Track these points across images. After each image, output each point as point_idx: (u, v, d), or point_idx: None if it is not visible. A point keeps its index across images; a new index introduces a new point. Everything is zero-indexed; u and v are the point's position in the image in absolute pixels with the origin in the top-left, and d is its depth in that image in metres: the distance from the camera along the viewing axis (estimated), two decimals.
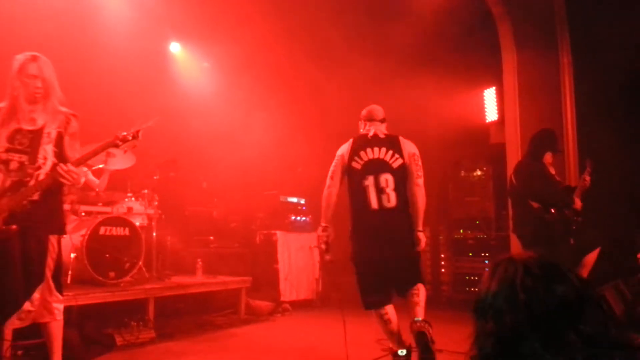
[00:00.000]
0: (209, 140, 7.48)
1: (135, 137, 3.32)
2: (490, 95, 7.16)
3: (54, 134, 3.06)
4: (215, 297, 5.96)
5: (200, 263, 6.10)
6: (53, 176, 2.93)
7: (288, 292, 6.73)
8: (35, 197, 2.92)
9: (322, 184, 7.85)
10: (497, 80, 6.90)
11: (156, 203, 5.81)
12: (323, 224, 3.84)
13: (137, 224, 5.33)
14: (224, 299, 5.99)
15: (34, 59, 3.06)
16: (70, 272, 4.68)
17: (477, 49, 7.16)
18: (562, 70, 6.28)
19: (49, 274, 3.03)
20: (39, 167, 2.96)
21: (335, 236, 3.99)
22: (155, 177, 5.97)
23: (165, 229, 6.18)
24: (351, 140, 3.87)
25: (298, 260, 7.07)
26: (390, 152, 3.74)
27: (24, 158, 2.92)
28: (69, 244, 4.90)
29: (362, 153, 3.72)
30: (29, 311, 3.00)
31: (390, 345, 3.87)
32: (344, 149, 3.83)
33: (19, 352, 3.87)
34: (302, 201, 7.60)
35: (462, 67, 7.13)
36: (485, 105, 7.19)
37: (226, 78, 8.31)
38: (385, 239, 3.62)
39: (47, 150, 3.01)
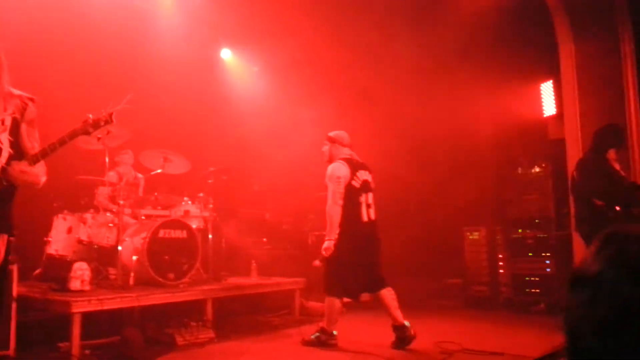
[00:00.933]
0: (260, 143, 7.59)
1: (108, 121, 2.78)
2: (547, 89, 6.90)
3: (8, 121, 2.59)
4: (270, 298, 6.02)
5: (254, 264, 6.19)
6: (6, 177, 2.53)
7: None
8: None
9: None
10: (553, 73, 6.65)
11: (211, 206, 5.94)
12: (333, 239, 4.46)
13: (194, 226, 5.46)
14: (278, 299, 6.04)
15: None
16: (132, 274, 4.84)
17: (530, 41, 6.94)
18: (624, 60, 5.98)
19: None
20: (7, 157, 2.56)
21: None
22: (209, 181, 6.09)
23: (220, 231, 6.31)
24: (346, 163, 4.57)
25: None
26: (370, 175, 4.70)
27: None
28: (131, 247, 5.08)
29: (358, 174, 4.56)
30: None
31: (326, 324, 4.55)
32: (344, 171, 4.51)
33: (87, 352, 4.02)
34: None
35: (516, 60, 6.93)
36: (542, 100, 6.93)
37: (275, 81, 8.42)
38: (371, 245, 4.58)
39: (2, 140, 2.55)
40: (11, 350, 3.66)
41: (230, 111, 7.98)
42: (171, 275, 5.05)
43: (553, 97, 6.79)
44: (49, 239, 5.01)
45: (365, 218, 4.54)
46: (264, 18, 7.35)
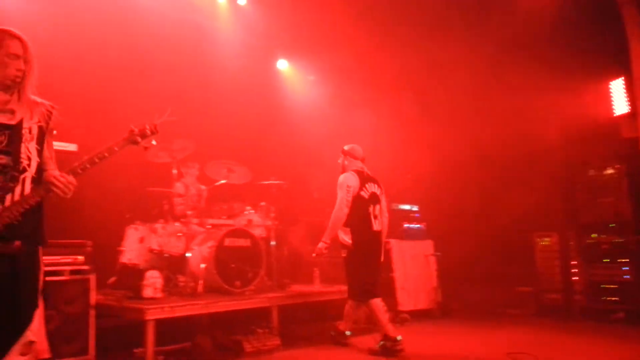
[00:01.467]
0: (319, 151, 7.61)
1: (153, 132, 2.73)
2: (617, 87, 6.56)
3: (35, 130, 2.50)
4: (334, 306, 5.98)
5: (317, 272, 6.19)
6: (46, 184, 2.45)
7: (406, 301, 6.59)
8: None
9: (433, 191, 7.68)
10: (624, 70, 6.31)
11: (273, 214, 6.01)
12: (328, 241, 4.85)
13: (257, 235, 5.54)
14: (342, 307, 5.99)
15: (15, 34, 2.46)
16: (201, 282, 4.96)
17: (598, 38, 6.62)
18: None
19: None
20: (24, 170, 2.45)
21: None
22: (271, 190, 6.17)
23: (282, 239, 6.36)
24: (357, 174, 4.89)
25: (414, 268, 6.91)
26: (379, 188, 5.03)
27: (5, 159, 2.42)
28: (199, 255, 5.21)
29: (367, 186, 4.88)
30: (32, 342, 2.41)
31: (343, 326, 4.90)
32: (354, 182, 4.82)
33: (160, 357, 4.14)
34: (415, 208, 7.45)
35: (583, 58, 6.62)
36: (613, 98, 6.59)
37: (332, 89, 8.47)
38: (378, 252, 4.93)
39: (30, 150, 2.47)
40: (91, 356, 3.82)
41: (289, 120, 8.08)
42: (237, 283, 5.14)
43: (625, 95, 6.45)
44: (122, 248, 5.21)
45: (374, 228, 4.87)
46: (318, 28, 7.42)
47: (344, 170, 5.04)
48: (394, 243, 6.79)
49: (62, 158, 4.20)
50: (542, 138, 7.17)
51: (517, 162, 7.38)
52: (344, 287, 5.43)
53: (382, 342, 4.60)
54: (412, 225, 7.23)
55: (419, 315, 6.54)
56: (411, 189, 7.64)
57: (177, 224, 5.42)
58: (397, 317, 6.26)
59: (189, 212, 5.40)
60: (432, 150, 7.70)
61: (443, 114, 7.82)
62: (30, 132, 2.46)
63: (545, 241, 7.00)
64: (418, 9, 6.94)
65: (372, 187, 4.94)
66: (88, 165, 2.52)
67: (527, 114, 7.11)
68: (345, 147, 5.21)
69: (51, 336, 3.62)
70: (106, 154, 2.55)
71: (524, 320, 6.47)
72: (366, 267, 4.78)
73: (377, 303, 4.72)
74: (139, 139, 2.67)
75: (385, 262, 6.67)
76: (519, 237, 7.23)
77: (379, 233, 4.92)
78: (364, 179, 4.91)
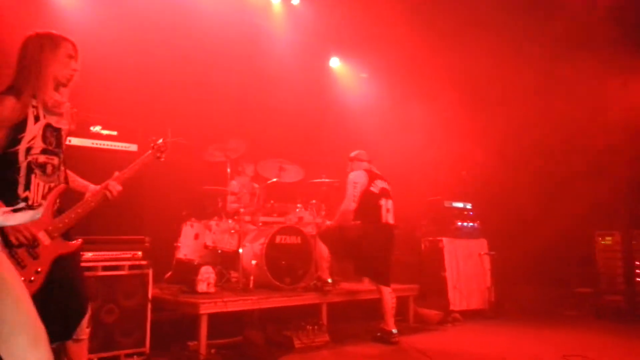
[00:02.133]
0: (369, 148, 7.60)
1: (165, 149, 2.98)
2: None
3: (66, 131, 2.62)
4: (383, 304, 5.98)
5: None
6: (104, 191, 2.67)
7: (458, 301, 6.49)
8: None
9: (488, 188, 7.49)
10: None
11: (323, 212, 6.07)
12: (334, 223, 5.32)
13: (307, 232, 5.62)
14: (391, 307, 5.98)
15: (66, 37, 2.56)
16: (252, 278, 5.11)
17: None
18: None
19: None
20: (65, 172, 2.61)
21: None
22: (322, 188, 6.24)
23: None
24: (365, 172, 5.23)
25: (467, 267, 6.79)
26: (389, 185, 5.34)
27: (56, 160, 2.51)
28: (251, 252, 5.36)
29: (376, 182, 5.20)
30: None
31: (385, 324, 4.97)
32: (362, 178, 5.16)
33: (212, 351, 4.31)
34: (469, 206, 7.30)
35: None
36: None
37: (384, 86, 8.42)
38: (390, 245, 5.22)
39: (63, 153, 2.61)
40: (147, 348, 4.03)
41: (341, 118, 8.12)
42: (287, 280, 5.26)
43: None
44: (178, 244, 5.45)
45: (384, 220, 5.14)
46: (369, 25, 7.40)
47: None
48: (446, 242, 6.70)
49: (125, 157, 4.49)
50: (607, 133, 6.84)
51: (580, 158, 7.08)
52: (394, 286, 5.44)
53: (378, 334, 4.95)
54: (465, 224, 7.10)
55: (471, 315, 6.43)
56: (465, 186, 7.50)
57: (230, 221, 5.60)
58: (449, 316, 6.19)
59: (242, 210, 5.55)
60: (488, 146, 7.52)
61: (500, 109, 7.60)
62: (65, 134, 2.62)
63: (607, 240, 6.68)
64: (471, 4, 6.78)
65: (381, 184, 5.24)
66: (129, 176, 2.81)
67: (591, 108, 6.80)
68: (351, 155, 5.55)
69: (111, 328, 3.90)
70: (141, 168, 2.87)
71: (581, 322, 6.21)
72: (376, 257, 5.06)
73: (387, 291, 5.02)
74: (162, 157, 2.97)
75: (437, 260, 6.64)
76: (580, 236, 6.94)
77: (389, 226, 5.19)
78: (372, 176, 5.24)
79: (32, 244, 2.34)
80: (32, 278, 2.33)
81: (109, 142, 4.45)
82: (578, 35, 6.53)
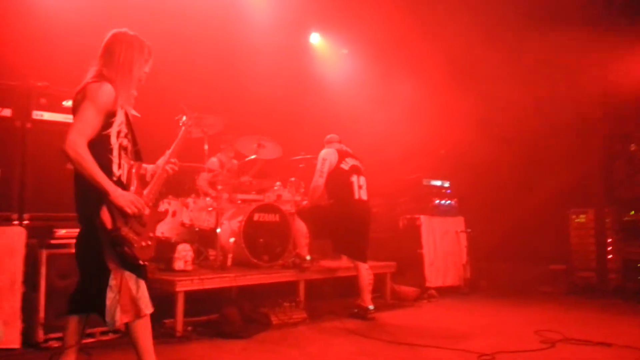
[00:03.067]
0: (350, 126, 7.57)
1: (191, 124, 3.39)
2: None
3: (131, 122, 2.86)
4: (359, 281, 6.03)
5: None
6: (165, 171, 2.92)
7: (434, 277, 6.59)
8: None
9: (466, 166, 7.54)
10: None
11: (302, 190, 6.05)
12: (308, 201, 5.41)
13: (286, 210, 5.60)
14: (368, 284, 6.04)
15: (148, 44, 2.83)
16: (230, 255, 5.09)
17: None
18: None
19: None
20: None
21: None
22: (300, 165, 6.20)
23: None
24: (336, 151, 5.32)
25: (443, 245, 6.88)
26: (360, 163, 5.41)
27: (132, 148, 2.75)
28: (229, 230, 5.33)
29: (346, 159, 5.29)
30: None
31: (362, 301, 5.07)
32: (332, 156, 5.26)
33: (189, 328, 4.30)
34: (447, 184, 7.36)
35: (628, 24, 6.31)
36: None
37: (365, 62, 8.35)
38: (365, 220, 5.29)
39: None
40: (123, 325, 4.01)
41: (320, 94, 8.05)
42: (265, 257, 5.25)
43: None
44: None
45: (357, 196, 5.21)
46: (351, 0, 7.30)
47: None
48: (423, 219, 6.76)
49: None
50: (582, 111, 6.92)
51: (555, 136, 7.16)
52: (372, 264, 5.49)
53: (355, 310, 5.04)
54: (443, 202, 7.16)
55: (447, 292, 6.54)
56: (443, 164, 7.55)
57: (208, 199, 5.55)
58: (425, 293, 6.28)
59: (220, 187, 5.50)
60: (466, 125, 7.54)
61: (478, 87, 7.61)
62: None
63: (581, 218, 6.82)
64: None
65: (352, 161, 5.32)
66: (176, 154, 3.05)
67: (566, 86, 6.85)
68: (325, 139, 5.59)
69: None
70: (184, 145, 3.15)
71: (555, 298, 6.37)
72: (352, 234, 5.15)
73: (364, 268, 5.13)
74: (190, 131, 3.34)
75: (414, 238, 6.70)
76: (554, 213, 7.06)
77: (363, 202, 5.26)
78: (342, 154, 5.32)
79: (141, 214, 2.59)
80: (145, 243, 2.61)
81: None
82: (559, 12, 6.54)
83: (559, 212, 7.01)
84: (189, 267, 4.75)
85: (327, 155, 5.25)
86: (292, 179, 6.12)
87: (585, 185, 6.98)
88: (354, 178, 5.23)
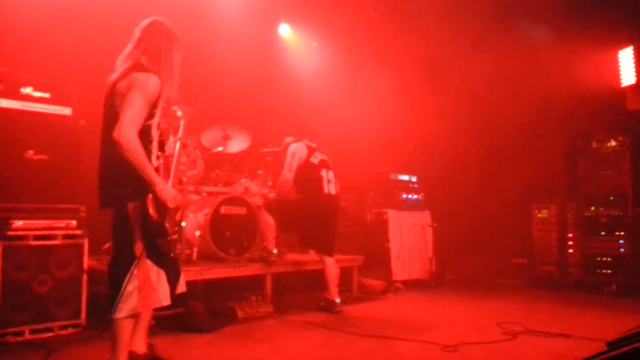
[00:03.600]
0: (319, 119, 7.55)
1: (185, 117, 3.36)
2: (626, 56, 6.42)
3: None
4: (326, 274, 6.03)
5: None
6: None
7: (400, 271, 6.64)
8: None
9: (433, 161, 7.62)
10: (634, 38, 6.16)
11: (270, 183, 6.00)
12: (275, 193, 5.37)
13: (253, 203, 5.54)
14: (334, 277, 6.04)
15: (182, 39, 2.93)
16: (196, 249, 5.00)
17: (608, 5, 6.43)
18: None
19: None
20: None
21: None
22: (268, 158, 6.15)
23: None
24: (304, 145, 5.30)
25: (410, 239, 6.94)
26: (328, 158, 5.41)
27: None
28: (194, 223, 5.23)
29: (315, 154, 5.28)
30: None
31: (329, 294, 5.07)
32: (301, 150, 5.22)
33: (153, 322, 4.19)
34: (414, 179, 7.42)
35: (592, 26, 6.45)
36: (621, 68, 6.46)
37: (335, 56, 8.32)
38: (333, 214, 5.28)
39: None
40: (83, 320, 3.89)
41: (289, 87, 7.99)
42: (232, 251, 5.19)
43: (633, 65, 6.31)
44: None
45: (326, 190, 5.19)
46: None
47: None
48: (391, 213, 6.80)
49: (58, 122, 4.23)
50: (546, 108, 7.08)
51: (520, 133, 7.30)
52: (339, 257, 5.49)
53: (322, 304, 5.04)
54: (410, 196, 7.22)
55: (413, 285, 6.61)
56: (411, 159, 7.60)
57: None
58: (392, 286, 6.33)
59: (185, 179, 5.39)
60: (434, 120, 7.62)
61: (447, 84, 7.70)
62: None
63: (543, 213, 6.98)
64: None
65: (320, 156, 5.33)
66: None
67: (531, 83, 6.98)
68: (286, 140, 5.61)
69: (44, 299, 3.74)
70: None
71: (517, 291, 6.52)
72: (320, 228, 5.14)
73: (330, 262, 5.13)
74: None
75: (381, 232, 6.74)
76: (518, 208, 7.20)
77: (331, 196, 5.24)
78: (311, 149, 5.32)
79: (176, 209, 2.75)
80: (172, 237, 2.76)
81: (41, 105, 4.18)
82: (525, 11, 6.66)
83: (523, 207, 7.16)
84: None
85: (297, 149, 5.22)
86: (260, 171, 6.06)
87: (549, 181, 7.14)
88: (323, 172, 5.23)
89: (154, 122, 2.64)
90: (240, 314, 4.57)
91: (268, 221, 5.24)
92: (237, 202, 5.39)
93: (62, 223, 4.04)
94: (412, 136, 7.77)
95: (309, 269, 5.60)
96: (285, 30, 8.38)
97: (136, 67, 2.64)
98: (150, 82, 2.58)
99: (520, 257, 7.15)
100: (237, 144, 5.98)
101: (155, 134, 2.65)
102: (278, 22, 8.28)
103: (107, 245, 5.15)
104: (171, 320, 4.33)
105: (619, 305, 5.49)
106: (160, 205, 2.54)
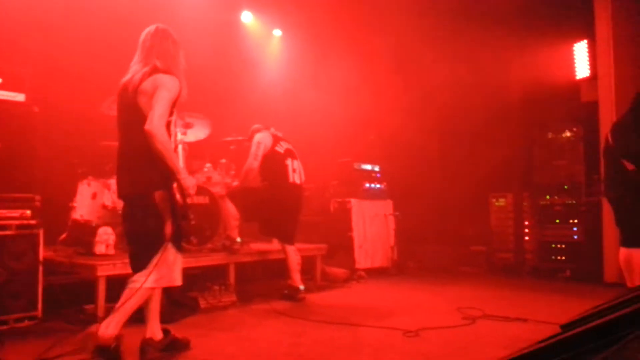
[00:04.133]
0: (281, 108, 7.50)
1: None
2: (581, 49, 6.63)
3: None
4: (288, 263, 6.03)
5: None
6: None
7: (363, 259, 6.71)
8: None
9: (394, 151, 7.70)
10: (588, 32, 6.36)
11: (233, 172, 5.93)
12: (239, 182, 5.33)
13: (216, 192, 5.47)
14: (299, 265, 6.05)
15: None
16: None
17: (564, 0, 6.63)
18: None
19: None
20: None
21: None
22: (231, 147, 6.07)
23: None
24: (270, 134, 5.29)
25: (373, 228, 7.01)
26: (294, 147, 5.39)
27: None
28: None
29: (281, 143, 5.28)
30: None
31: (292, 281, 5.11)
32: (266, 139, 5.21)
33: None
34: (377, 168, 7.49)
35: (548, 19, 6.64)
36: (575, 61, 6.68)
37: (298, 44, 8.27)
38: (297, 203, 5.30)
39: None
40: (39, 312, 3.77)
41: (252, 75, 7.90)
42: (195, 240, 5.11)
43: (587, 58, 6.54)
44: (74, 204, 5.07)
45: (291, 179, 5.22)
46: None
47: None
48: (354, 202, 6.85)
49: (10, 108, 4.05)
50: (503, 99, 7.26)
51: (480, 123, 7.45)
52: (303, 246, 5.50)
53: (285, 291, 5.08)
54: (373, 185, 7.28)
55: (375, 273, 6.69)
56: (373, 149, 7.66)
57: None
58: (355, 274, 6.39)
59: None
60: (395, 111, 7.69)
61: (408, 75, 7.77)
62: None
63: (501, 202, 7.18)
64: None
65: (286, 145, 5.34)
66: None
67: (489, 76, 7.13)
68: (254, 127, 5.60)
69: None
70: None
71: (476, 277, 6.70)
72: (282, 216, 5.19)
73: (292, 250, 5.18)
74: None
75: (345, 221, 6.79)
76: (477, 197, 7.38)
77: (296, 186, 5.27)
78: (277, 138, 5.33)
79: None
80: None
81: None
82: (482, 4, 6.77)
83: (481, 196, 7.34)
84: (112, 251, 4.53)
85: (262, 139, 5.21)
86: (223, 160, 5.98)
87: (506, 171, 7.34)
88: (289, 161, 5.24)
89: (173, 119, 2.98)
90: (202, 303, 4.53)
91: (231, 210, 5.19)
92: (199, 192, 5.29)
93: (16, 213, 3.88)
94: (375, 126, 7.83)
95: (273, 258, 5.59)
96: (247, 17, 8.26)
97: (156, 70, 2.96)
98: (174, 83, 2.95)
99: (479, 245, 7.33)
100: (197, 132, 5.88)
101: (173, 129, 2.99)
102: (240, 10, 8.15)
103: (63, 236, 5.00)
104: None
105: (573, 290, 5.71)
106: (184, 191, 2.90)
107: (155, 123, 2.77)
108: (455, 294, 5.43)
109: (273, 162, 5.18)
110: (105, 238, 4.51)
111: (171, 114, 2.93)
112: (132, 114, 2.94)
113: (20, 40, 5.13)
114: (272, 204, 5.12)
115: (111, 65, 5.88)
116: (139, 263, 2.97)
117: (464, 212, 7.58)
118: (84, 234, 4.68)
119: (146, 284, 2.89)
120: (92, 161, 5.50)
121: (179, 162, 2.92)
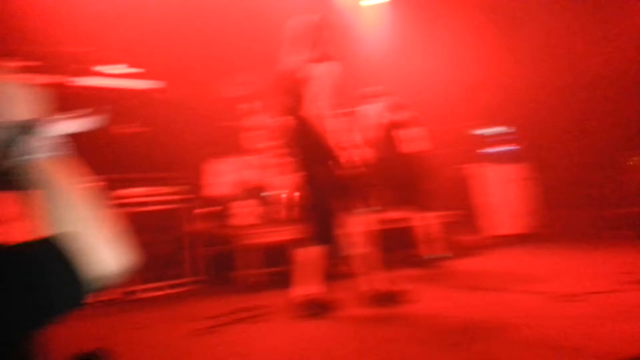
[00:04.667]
0: (395, 72, 7.25)
1: None
2: None
3: None
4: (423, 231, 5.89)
5: None
6: None
7: (499, 226, 6.42)
8: None
9: (530, 112, 7.11)
10: None
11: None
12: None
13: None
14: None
15: None
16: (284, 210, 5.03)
17: None
18: None
19: None
20: None
21: None
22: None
23: None
24: (383, 103, 5.09)
25: (507, 193, 6.67)
26: (411, 115, 5.18)
27: None
28: (282, 185, 5.25)
29: (396, 112, 5.12)
30: None
31: (422, 251, 5.06)
32: (380, 109, 5.07)
33: (264, 278, 4.34)
34: (512, 130, 7.07)
35: None
36: None
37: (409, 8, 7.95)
38: (419, 172, 5.15)
39: None
40: (192, 277, 4.04)
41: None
42: None
43: None
44: (212, 181, 5.32)
45: (410, 148, 5.10)
46: None
47: None
48: (487, 168, 6.57)
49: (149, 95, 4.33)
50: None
51: (612, 83, 6.75)
52: (435, 214, 5.33)
53: (418, 259, 5.07)
54: (508, 148, 6.91)
55: (509, 240, 6.35)
56: (506, 111, 7.21)
57: (256, 156, 5.47)
58: (490, 241, 6.12)
59: (262, 145, 5.39)
60: (529, 69, 7.16)
61: (540, 31, 7.18)
62: None
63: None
64: None
65: (402, 114, 5.17)
66: None
67: (632, 33, 6.45)
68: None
69: (153, 261, 3.91)
70: None
71: (622, 242, 6.00)
72: (414, 185, 5.12)
73: (422, 218, 5.09)
74: None
75: (477, 187, 6.50)
76: (618, 158, 6.71)
77: (417, 154, 5.16)
78: (391, 107, 5.13)
79: None
80: None
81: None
82: None
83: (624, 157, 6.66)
84: (253, 222, 4.74)
85: (376, 109, 5.16)
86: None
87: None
88: (407, 131, 5.16)
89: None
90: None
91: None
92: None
93: (167, 190, 4.20)
94: (507, 85, 7.31)
95: (401, 226, 5.49)
96: None
97: (317, 58, 3.26)
98: (332, 69, 3.25)
99: (624, 208, 6.63)
100: None
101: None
102: None
103: (202, 210, 5.24)
104: (279, 275, 4.41)
105: None
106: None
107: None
108: (604, 259, 4.96)
109: (388, 132, 5.13)
110: (245, 211, 4.73)
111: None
112: (296, 96, 3.28)
113: (157, 37, 5.39)
114: (404, 174, 5.08)
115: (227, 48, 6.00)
116: None
117: (604, 174, 6.92)
118: (226, 208, 4.93)
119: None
120: (222, 141, 5.73)
121: None
